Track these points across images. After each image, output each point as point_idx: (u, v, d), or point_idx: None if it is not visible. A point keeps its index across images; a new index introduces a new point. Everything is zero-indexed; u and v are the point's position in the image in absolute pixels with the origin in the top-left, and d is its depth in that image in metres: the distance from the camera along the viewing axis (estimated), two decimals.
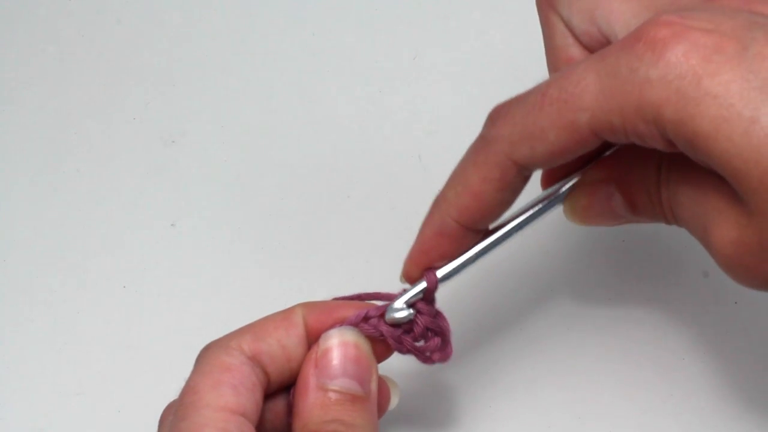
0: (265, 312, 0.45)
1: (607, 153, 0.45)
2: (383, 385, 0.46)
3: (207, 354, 0.43)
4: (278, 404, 0.45)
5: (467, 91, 0.64)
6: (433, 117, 0.63)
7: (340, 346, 0.44)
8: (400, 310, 0.45)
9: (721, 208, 0.39)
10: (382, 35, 0.67)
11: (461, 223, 0.44)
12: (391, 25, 0.67)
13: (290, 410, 0.44)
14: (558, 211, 0.46)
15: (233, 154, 0.63)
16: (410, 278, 0.46)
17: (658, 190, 0.43)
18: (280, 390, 0.45)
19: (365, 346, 0.44)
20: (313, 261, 0.59)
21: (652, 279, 0.56)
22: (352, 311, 0.45)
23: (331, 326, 0.44)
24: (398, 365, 0.49)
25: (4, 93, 0.67)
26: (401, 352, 0.46)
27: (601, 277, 0.57)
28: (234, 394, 0.41)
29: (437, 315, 0.46)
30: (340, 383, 0.43)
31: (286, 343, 0.44)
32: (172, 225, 0.61)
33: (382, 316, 0.45)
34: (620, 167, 0.44)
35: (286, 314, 0.45)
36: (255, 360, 0.43)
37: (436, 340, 0.46)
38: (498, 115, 0.43)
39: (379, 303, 0.46)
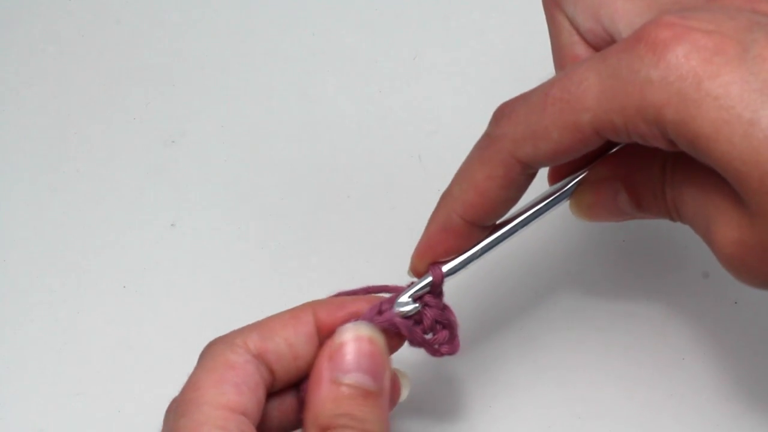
0: (264, 312, 0.45)
1: (614, 150, 0.45)
2: (395, 378, 0.46)
3: (211, 350, 0.43)
4: (285, 402, 0.45)
5: (467, 91, 0.64)
6: (433, 117, 0.63)
7: (355, 340, 0.43)
8: (406, 304, 0.46)
9: (724, 208, 0.39)
10: (382, 35, 0.67)
11: (466, 220, 0.44)
12: (391, 25, 0.67)
13: (301, 405, 0.44)
14: (560, 210, 0.46)
15: (233, 154, 0.63)
16: (417, 272, 0.47)
17: (663, 189, 0.43)
18: (287, 388, 0.45)
19: (380, 341, 0.44)
20: (313, 261, 0.59)
21: (653, 278, 0.56)
22: (365, 305, 0.45)
23: (344, 321, 0.44)
24: (399, 364, 0.49)
25: (4, 93, 0.66)
26: (412, 344, 0.46)
27: (601, 276, 0.57)
28: (236, 392, 0.41)
29: (445, 308, 0.47)
30: (353, 378, 0.43)
31: (293, 341, 0.44)
32: (172, 225, 0.61)
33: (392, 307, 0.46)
34: (625, 165, 0.44)
35: (294, 312, 0.45)
36: (260, 358, 0.43)
37: (444, 333, 0.46)
38: (502, 114, 0.43)
39: (387, 296, 0.46)
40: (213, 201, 0.61)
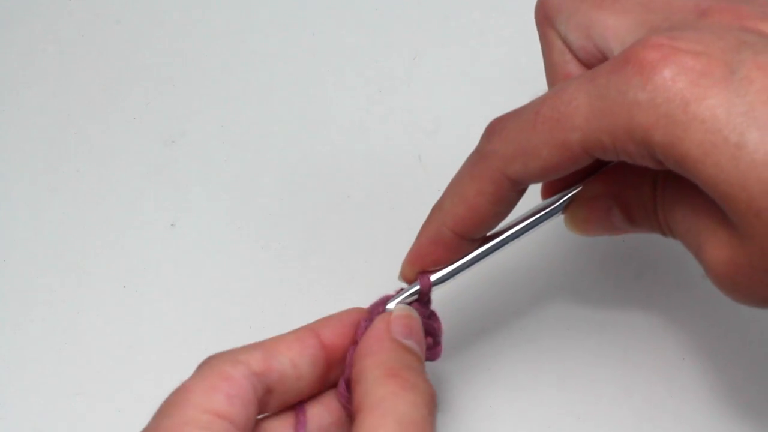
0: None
1: (606, 167, 0.46)
2: None
3: (210, 362, 0.43)
4: (284, 424, 0.45)
5: (467, 91, 0.64)
6: (433, 117, 0.63)
7: (407, 316, 0.45)
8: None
9: (714, 228, 0.40)
10: (382, 35, 0.67)
11: (456, 233, 0.45)
12: (391, 25, 0.67)
13: (344, 401, 0.45)
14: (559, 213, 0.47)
15: (233, 154, 0.63)
16: (407, 279, 0.48)
17: (654, 207, 0.43)
18: (285, 409, 0.45)
19: (420, 323, 0.46)
20: (313, 261, 0.59)
21: (652, 279, 0.56)
22: (362, 314, 0.46)
23: (346, 334, 0.45)
24: None
25: (4, 93, 0.67)
26: None
27: (601, 278, 0.57)
28: (227, 403, 0.41)
29: (431, 316, 0.48)
30: (410, 343, 0.44)
31: (298, 362, 0.44)
32: (172, 225, 0.61)
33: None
34: (617, 183, 0.45)
35: (298, 334, 0.45)
36: (260, 377, 0.43)
37: (428, 340, 0.47)
38: (494, 130, 0.44)
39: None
40: (213, 201, 0.61)
